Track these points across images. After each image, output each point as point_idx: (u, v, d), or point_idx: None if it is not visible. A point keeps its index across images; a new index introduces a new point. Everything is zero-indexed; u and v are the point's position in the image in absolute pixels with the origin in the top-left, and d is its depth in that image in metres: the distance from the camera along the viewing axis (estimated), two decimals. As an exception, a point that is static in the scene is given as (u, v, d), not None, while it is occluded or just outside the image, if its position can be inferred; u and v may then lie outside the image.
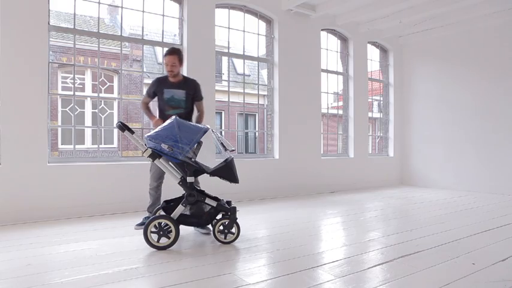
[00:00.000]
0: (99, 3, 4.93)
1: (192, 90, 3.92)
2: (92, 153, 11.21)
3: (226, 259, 2.92)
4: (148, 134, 3.22)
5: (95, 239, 3.47)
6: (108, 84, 13.69)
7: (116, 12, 14.42)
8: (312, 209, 5.19)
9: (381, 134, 8.47)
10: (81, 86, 13.03)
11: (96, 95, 12.80)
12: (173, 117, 3.30)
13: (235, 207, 3.33)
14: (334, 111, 9.01)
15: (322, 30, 7.03)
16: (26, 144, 4.25)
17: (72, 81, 11.90)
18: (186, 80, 3.95)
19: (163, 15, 5.44)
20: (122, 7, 5.22)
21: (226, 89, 6.50)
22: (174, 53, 3.80)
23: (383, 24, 7.14)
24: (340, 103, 7.83)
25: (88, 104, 13.03)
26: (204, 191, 3.50)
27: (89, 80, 13.23)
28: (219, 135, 3.55)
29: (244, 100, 6.59)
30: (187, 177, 3.25)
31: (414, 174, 8.02)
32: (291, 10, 6.39)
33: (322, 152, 7.08)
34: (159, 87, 3.88)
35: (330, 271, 2.63)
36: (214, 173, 3.27)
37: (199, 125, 3.30)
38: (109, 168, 4.78)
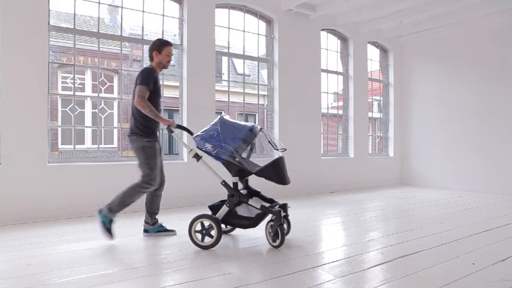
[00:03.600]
0: (99, 3, 4.93)
1: None
2: (92, 153, 11.20)
3: (226, 259, 2.92)
4: (197, 134, 3.22)
5: (95, 239, 3.47)
6: (108, 84, 13.68)
7: (116, 12, 14.41)
8: (312, 209, 5.19)
9: (381, 134, 8.47)
10: (81, 86, 13.03)
11: (96, 95, 12.78)
12: (220, 116, 3.24)
13: (279, 211, 3.12)
14: (334, 111, 9.00)
15: (322, 30, 7.02)
16: (26, 144, 4.25)
17: (72, 81, 11.91)
18: None
19: (163, 15, 5.44)
20: (122, 7, 5.22)
21: (226, 89, 6.49)
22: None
23: (383, 24, 7.14)
24: (340, 103, 7.83)
25: (88, 104, 13.03)
26: (259, 192, 3.42)
27: (89, 80, 13.23)
28: (269, 134, 3.39)
29: (244, 100, 6.58)
30: (232, 178, 3.18)
31: (414, 174, 8.02)
32: (291, 10, 6.39)
33: (322, 152, 7.08)
34: (156, 79, 3.49)
35: (330, 271, 2.63)
36: (259, 173, 3.11)
37: (243, 124, 3.21)
38: (109, 168, 4.78)
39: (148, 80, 3.35)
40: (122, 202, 3.39)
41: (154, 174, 3.43)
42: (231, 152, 3.04)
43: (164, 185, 3.71)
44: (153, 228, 3.62)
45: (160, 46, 3.54)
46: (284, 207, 3.32)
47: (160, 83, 3.64)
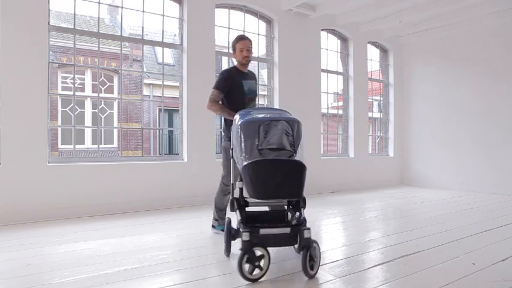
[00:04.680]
0: (99, 3, 4.93)
1: (256, 81, 3.65)
2: (92, 153, 11.20)
3: (226, 259, 2.92)
4: None
5: (95, 239, 3.47)
6: (108, 84, 13.69)
7: (116, 12, 14.41)
8: (312, 209, 5.18)
9: (381, 134, 8.47)
10: (81, 86, 13.03)
11: (96, 95, 12.80)
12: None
13: (247, 233, 2.38)
14: (334, 111, 9.01)
15: (322, 30, 7.02)
16: (26, 144, 4.24)
17: (72, 81, 11.90)
18: (249, 70, 3.65)
19: (163, 15, 5.44)
20: (122, 7, 5.22)
21: (226, 89, 6.49)
22: (249, 38, 3.48)
23: (383, 24, 7.14)
24: (340, 103, 7.83)
25: (88, 104, 13.03)
26: (301, 208, 2.70)
27: (89, 80, 13.23)
28: (278, 129, 2.60)
29: (244, 100, 6.58)
30: (237, 182, 2.78)
31: (414, 174, 8.02)
32: (291, 10, 6.39)
33: (322, 152, 7.07)
34: (235, 79, 3.46)
35: (330, 271, 2.63)
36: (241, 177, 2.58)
37: (242, 118, 2.71)
38: (109, 168, 4.78)
39: (221, 83, 3.43)
40: (216, 207, 3.56)
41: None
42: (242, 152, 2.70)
43: None
44: (220, 225, 3.60)
45: (233, 45, 3.52)
46: (301, 232, 2.47)
47: (236, 81, 3.47)
